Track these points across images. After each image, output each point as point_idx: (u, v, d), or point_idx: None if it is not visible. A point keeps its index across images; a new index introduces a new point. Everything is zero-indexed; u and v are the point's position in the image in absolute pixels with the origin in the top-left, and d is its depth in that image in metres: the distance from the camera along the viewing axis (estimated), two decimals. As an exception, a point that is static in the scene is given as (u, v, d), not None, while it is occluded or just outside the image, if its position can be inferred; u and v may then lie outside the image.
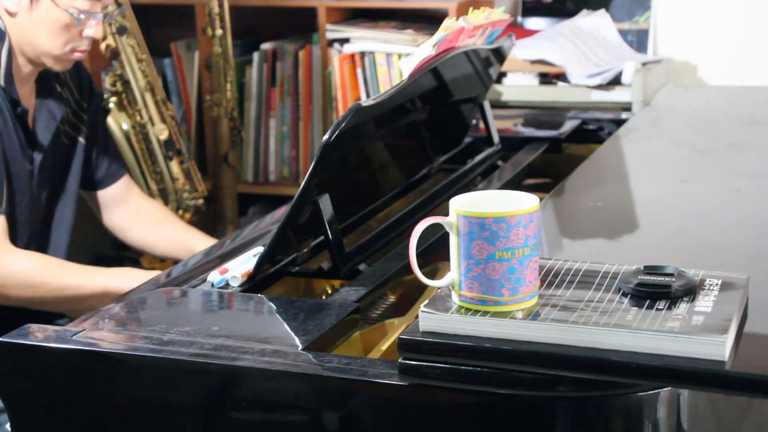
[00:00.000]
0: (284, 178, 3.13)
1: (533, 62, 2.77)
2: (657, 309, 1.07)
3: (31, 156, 1.98)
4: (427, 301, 1.11)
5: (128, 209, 2.23)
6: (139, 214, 2.24)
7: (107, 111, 2.66)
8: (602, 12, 3.02)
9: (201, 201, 2.80)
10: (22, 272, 1.87)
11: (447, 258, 1.12)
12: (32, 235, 2.01)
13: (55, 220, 2.10)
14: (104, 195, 2.21)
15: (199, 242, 2.15)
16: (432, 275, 1.44)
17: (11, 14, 1.92)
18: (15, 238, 1.96)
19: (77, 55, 1.97)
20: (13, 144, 1.94)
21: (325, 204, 1.46)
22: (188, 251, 2.08)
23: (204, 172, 3.02)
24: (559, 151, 2.28)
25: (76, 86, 2.11)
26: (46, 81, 2.03)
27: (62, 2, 1.90)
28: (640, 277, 1.12)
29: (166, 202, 2.76)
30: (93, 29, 1.95)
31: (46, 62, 1.96)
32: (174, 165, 2.75)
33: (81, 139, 2.11)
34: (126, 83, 2.71)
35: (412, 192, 1.87)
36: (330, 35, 2.99)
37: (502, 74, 2.78)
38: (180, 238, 2.20)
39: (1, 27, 1.92)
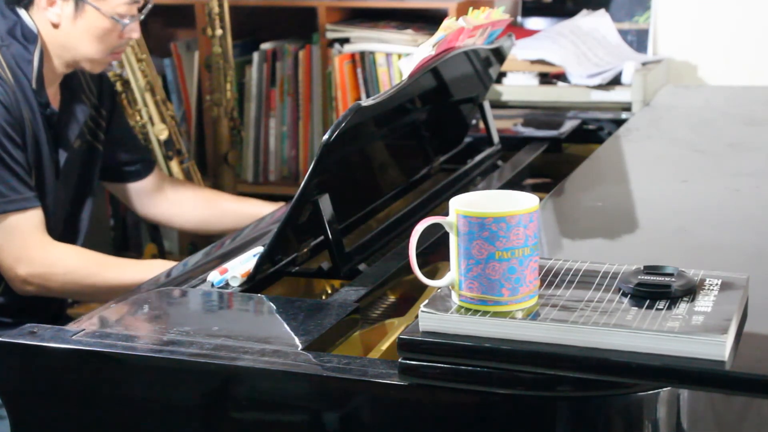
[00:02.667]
0: (284, 178, 3.13)
1: (533, 62, 2.77)
2: (657, 309, 1.07)
3: (57, 157, 2.00)
4: (427, 301, 1.11)
5: (168, 195, 2.24)
6: (183, 197, 2.25)
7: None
8: (602, 12, 3.02)
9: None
10: (65, 266, 1.90)
11: (447, 258, 1.12)
12: (52, 235, 2.02)
13: (73, 223, 2.11)
14: (139, 186, 2.22)
15: (254, 206, 2.16)
16: (432, 275, 1.44)
17: (55, 25, 1.95)
18: None
19: (115, 56, 2.02)
20: (42, 143, 1.96)
21: (325, 204, 1.46)
22: (248, 218, 2.08)
23: (204, 172, 3.02)
24: (559, 151, 2.28)
25: (97, 92, 2.13)
26: (71, 85, 2.05)
27: (107, 10, 1.93)
28: (640, 277, 1.12)
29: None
30: (134, 31, 1.99)
31: (84, 66, 2.00)
32: (174, 165, 2.75)
33: (99, 146, 2.13)
34: (126, 83, 2.71)
35: (412, 192, 1.87)
36: (330, 35, 2.99)
37: (502, 74, 2.78)
38: (234, 209, 2.22)
39: (34, 30, 1.94)
